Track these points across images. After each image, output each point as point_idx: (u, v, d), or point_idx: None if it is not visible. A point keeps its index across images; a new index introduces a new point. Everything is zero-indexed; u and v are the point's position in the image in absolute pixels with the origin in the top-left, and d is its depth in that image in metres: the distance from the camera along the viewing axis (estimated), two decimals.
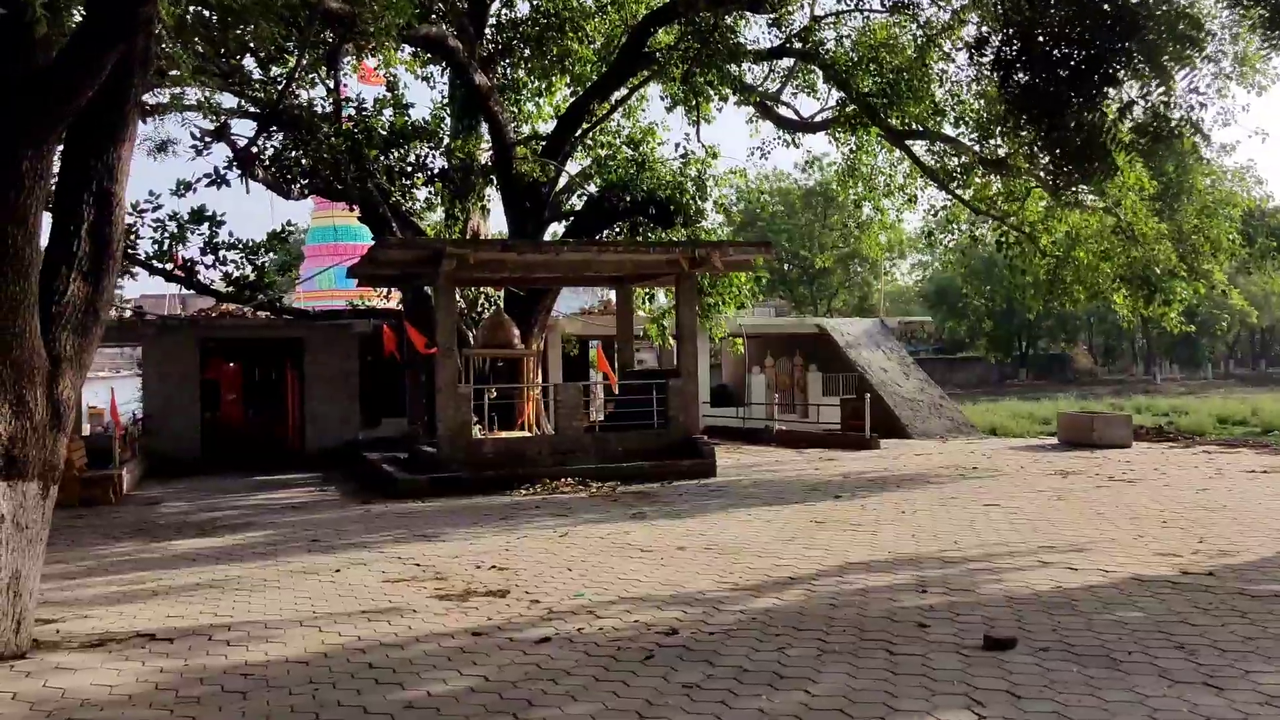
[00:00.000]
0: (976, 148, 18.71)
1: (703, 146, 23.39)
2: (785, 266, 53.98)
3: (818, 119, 22.50)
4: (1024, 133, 10.36)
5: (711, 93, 20.19)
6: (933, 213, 21.42)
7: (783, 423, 25.84)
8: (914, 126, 19.15)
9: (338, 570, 9.55)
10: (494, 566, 9.44)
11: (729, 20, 17.72)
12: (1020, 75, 9.52)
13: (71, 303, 6.62)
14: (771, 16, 18.47)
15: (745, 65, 19.35)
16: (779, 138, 23.42)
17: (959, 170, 19.90)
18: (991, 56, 9.99)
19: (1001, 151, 18.95)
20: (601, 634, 6.79)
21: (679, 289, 17.76)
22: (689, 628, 6.87)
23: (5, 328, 6.22)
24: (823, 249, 52.89)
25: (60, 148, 6.96)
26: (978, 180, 19.61)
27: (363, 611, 7.68)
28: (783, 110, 23.14)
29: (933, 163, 20.17)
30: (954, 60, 18.42)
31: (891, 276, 61.72)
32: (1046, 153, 10.29)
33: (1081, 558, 9.02)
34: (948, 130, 19.52)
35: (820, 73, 20.71)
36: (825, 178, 54.74)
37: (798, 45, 19.55)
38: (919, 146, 20.41)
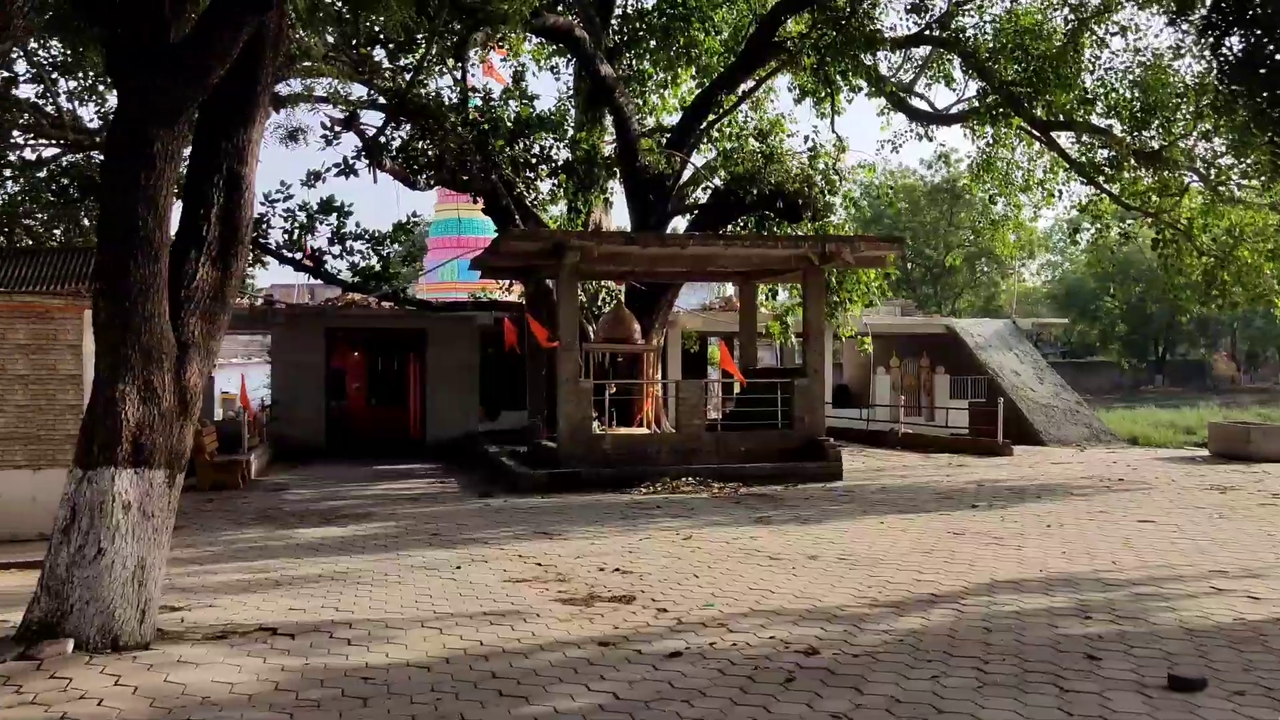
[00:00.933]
0: (1129, 139, 17.54)
1: (837, 136, 22.57)
2: (908, 265, 52.48)
3: (953, 110, 21.54)
4: (1238, 107, 9.35)
5: (843, 84, 19.47)
6: (1077, 208, 20.22)
7: (908, 425, 24.93)
8: (1059, 118, 18.07)
9: (458, 567, 9.33)
10: (618, 569, 9.08)
11: (865, 6, 16.97)
12: (1235, 40, 8.57)
13: (200, 287, 6.50)
14: (911, 1, 17.65)
15: (880, 54, 18.57)
16: (911, 130, 22.57)
17: (1107, 164, 18.72)
18: (1200, 20, 9.02)
19: (1155, 144, 17.77)
20: (735, 650, 6.35)
21: (806, 285, 17.15)
22: (830, 647, 6.37)
23: (134, 312, 6.12)
24: (948, 247, 51.23)
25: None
26: (1128, 174, 18.40)
27: (484, 613, 7.40)
28: (916, 102, 22.25)
29: (1079, 155, 19.01)
30: (1108, 45, 17.30)
31: (1019, 276, 59.41)
32: (1264, 131, 9.27)
33: (1262, 585, 8.16)
34: (1096, 122, 18.36)
35: (959, 61, 19.78)
36: (952, 174, 53.32)
37: (937, 32, 18.67)
38: (1065, 138, 19.29)
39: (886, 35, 17.84)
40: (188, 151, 7.16)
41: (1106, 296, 59.53)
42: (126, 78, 6.23)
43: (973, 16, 18.79)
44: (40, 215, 18.17)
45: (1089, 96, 17.68)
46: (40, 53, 15.36)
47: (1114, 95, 17.50)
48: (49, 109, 15.97)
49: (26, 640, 5.91)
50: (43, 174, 17.79)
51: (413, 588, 8.44)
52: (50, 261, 11.76)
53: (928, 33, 18.85)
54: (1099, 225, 19.84)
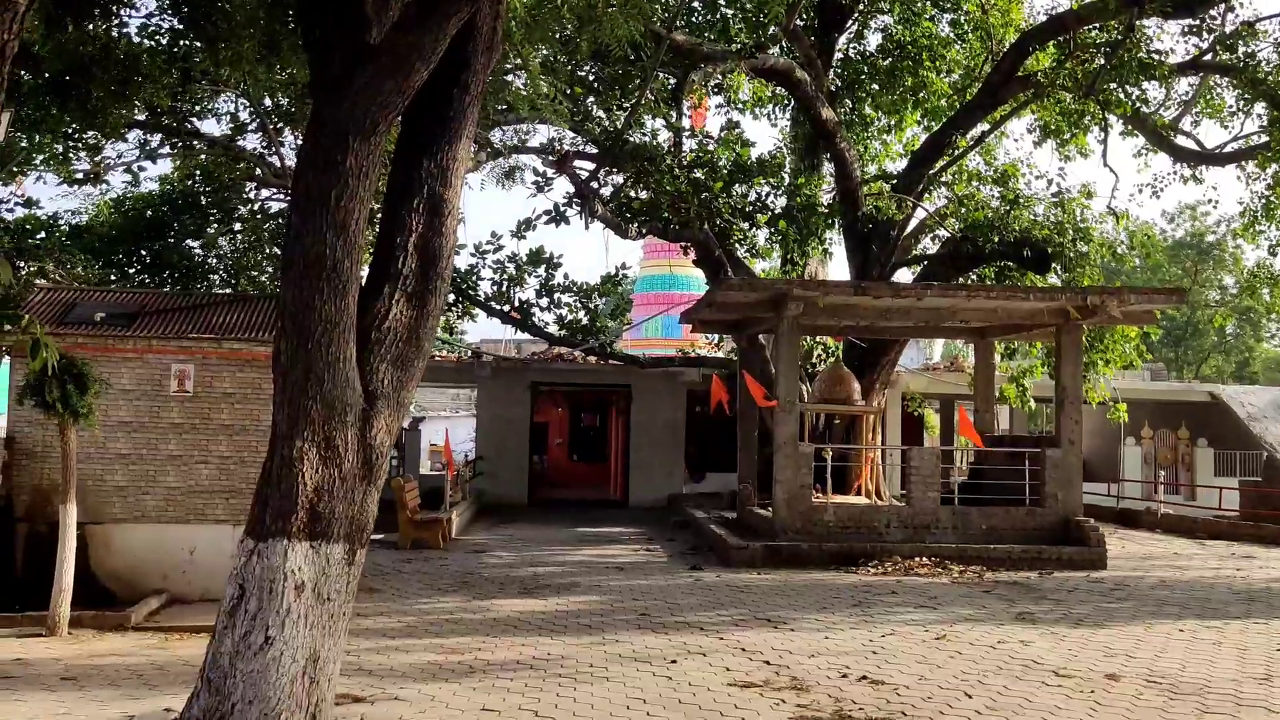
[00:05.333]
0: None
1: (1110, 170, 20.38)
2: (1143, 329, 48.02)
3: (1228, 148, 18.96)
4: None
5: (1103, 119, 17.32)
6: None
7: (1166, 505, 21.94)
8: None
9: (673, 661, 8.02)
10: (864, 677, 7.52)
11: (1141, 25, 14.86)
12: None
13: (393, 329, 5.52)
14: (1188, 23, 15.40)
15: (1148, 85, 16.34)
16: (1175, 172, 20.06)
17: None
18: None
19: None
20: None
21: (1061, 343, 15.09)
22: None
23: (317, 357, 5.18)
24: (1193, 308, 46.60)
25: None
26: None
27: None
28: (1181, 140, 19.78)
29: None
30: None
31: (1278, 340, 53.45)
32: None
33: None
34: None
35: (1238, 92, 17.30)
36: (1198, 227, 48.77)
37: (1221, 55, 16.28)
38: None
39: (1164, 61, 15.51)
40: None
41: None
42: (321, 82, 5.39)
43: (1267, 39, 16.18)
44: (266, 266, 18.43)
45: None
46: (265, 102, 15.48)
47: None
48: (273, 159, 16.11)
49: None
50: (268, 226, 18.06)
51: (622, 686, 7.19)
52: (260, 308, 11.40)
53: (1209, 57, 16.50)
54: None
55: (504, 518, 20.56)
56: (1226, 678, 7.63)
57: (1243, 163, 18.96)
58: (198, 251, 18.05)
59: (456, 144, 5.76)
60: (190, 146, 16.36)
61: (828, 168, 20.92)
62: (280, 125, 15.74)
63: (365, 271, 5.75)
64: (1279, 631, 9.54)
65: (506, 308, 20.54)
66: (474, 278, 20.47)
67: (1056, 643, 8.92)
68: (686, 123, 18.04)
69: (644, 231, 17.75)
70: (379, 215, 6.00)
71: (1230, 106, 18.96)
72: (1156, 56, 14.79)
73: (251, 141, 16.76)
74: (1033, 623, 9.92)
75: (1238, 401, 23.95)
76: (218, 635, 5.18)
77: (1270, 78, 15.66)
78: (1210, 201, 39.84)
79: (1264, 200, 19.59)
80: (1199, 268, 47.99)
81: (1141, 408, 25.82)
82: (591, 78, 17.21)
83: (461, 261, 20.72)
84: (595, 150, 17.56)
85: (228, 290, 17.31)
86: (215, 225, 17.84)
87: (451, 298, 20.32)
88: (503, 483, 23.23)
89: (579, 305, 21.12)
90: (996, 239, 16.80)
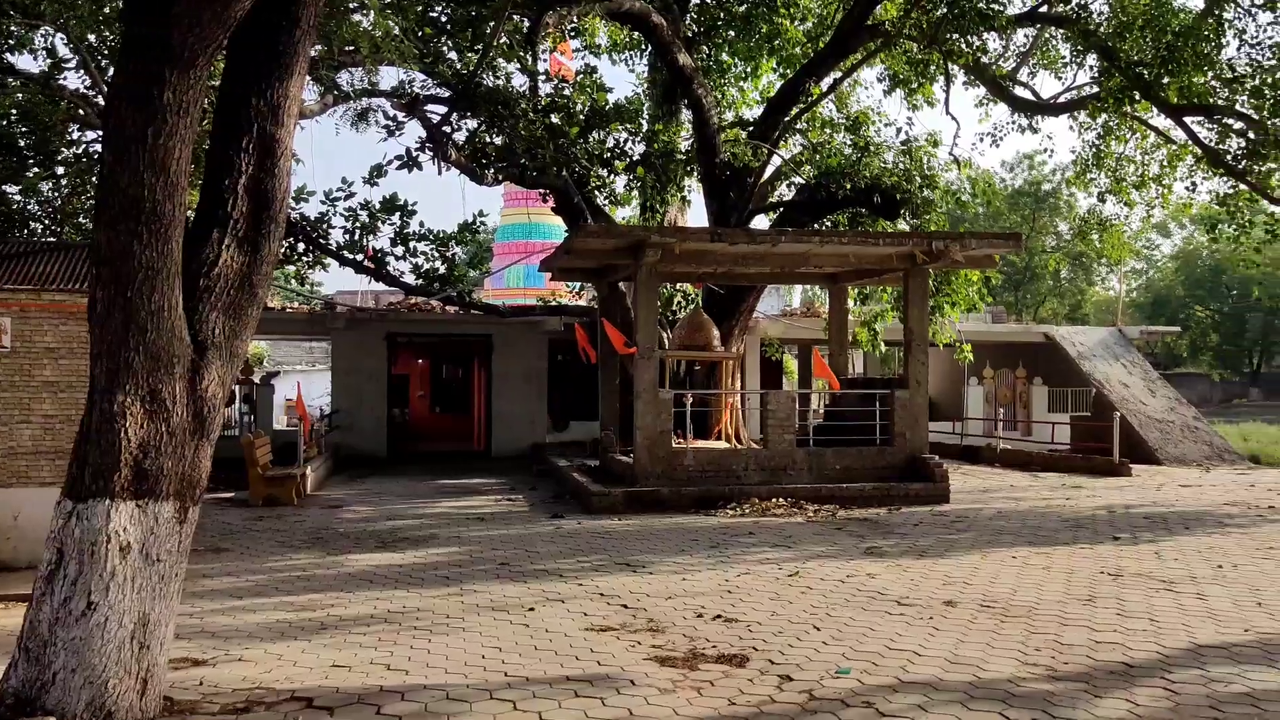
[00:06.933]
0: (1274, 124, 15.59)
1: (953, 118, 21.03)
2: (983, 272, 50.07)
3: (1062, 99, 19.78)
4: None
5: (950, 65, 17.77)
6: (1216, 202, 18.26)
7: (1004, 441, 23.11)
8: (1194, 101, 16.17)
9: (530, 609, 7.99)
10: (719, 616, 7.66)
11: None
12: None
13: (223, 275, 5.24)
14: None
15: (988, 36, 16.86)
16: (1013, 122, 20.85)
17: (1242, 152, 16.80)
18: None
19: None
20: None
21: (909, 286, 15.58)
22: None
23: (138, 305, 4.88)
24: (1031, 253, 48.91)
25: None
26: (1271, 164, 16.43)
27: (566, 678, 6.04)
28: (1019, 91, 20.53)
29: (1213, 144, 17.09)
30: (1255, 17, 15.40)
31: (1122, 281, 56.59)
32: None
33: None
34: (1239, 106, 16.41)
35: (1070, 44, 18.02)
36: (1036, 175, 51.03)
37: (1056, 7, 16.89)
38: (1197, 124, 17.38)
39: (1003, 11, 16.01)
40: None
41: (1196, 305, 56.60)
42: (134, 10, 5.00)
43: None
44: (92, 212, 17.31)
45: (1235, 75, 15.76)
46: (89, 38, 14.45)
47: (1262, 75, 15.56)
48: (98, 100, 15.07)
49: None
50: (94, 170, 16.95)
51: (478, 636, 7.13)
52: (83, 257, 10.69)
53: (1044, 9, 17.11)
54: (1239, 221, 17.77)
55: (362, 472, 20.17)
56: (1053, 600, 8.09)
57: (1075, 113, 19.84)
58: (16, 197, 16.81)
59: (288, 80, 5.46)
60: (3, 84, 15.16)
61: (686, 115, 20.94)
62: (105, 64, 14.72)
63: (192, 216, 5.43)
64: (1103, 556, 10.17)
65: (360, 257, 19.88)
66: (325, 226, 19.72)
67: (901, 574, 9.28)
68: (542, 66, 17.72)
69: (500, 178, 17.43)
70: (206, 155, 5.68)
71: (1064, 58, 19.81)
72: (996, 7, 15.29)
73: (74, 81, 15.64)
74: (880, 556, 10.30)
75: (1069, 341, 25.30)
76: (35, 603, 4.88)
77: (1101, 29, 16.36)
78: (1046, 151, 41.66)
79: (1094, 149, 20.60)
80: (1036, 215, 50.30)
81: (984, 349, 27.03)
82: (443, 18, 16.68)
83: (311, 209, 20.01)
84: (448, 94, 17.08)
85: (51, 239, 16.20)
86: (35, 169, 16.62)
87: (301, 247, 19.56)
88: (361, 436, 22.75)
89: (436, 254, 20.62)
90: (849, 186, 17.18)
